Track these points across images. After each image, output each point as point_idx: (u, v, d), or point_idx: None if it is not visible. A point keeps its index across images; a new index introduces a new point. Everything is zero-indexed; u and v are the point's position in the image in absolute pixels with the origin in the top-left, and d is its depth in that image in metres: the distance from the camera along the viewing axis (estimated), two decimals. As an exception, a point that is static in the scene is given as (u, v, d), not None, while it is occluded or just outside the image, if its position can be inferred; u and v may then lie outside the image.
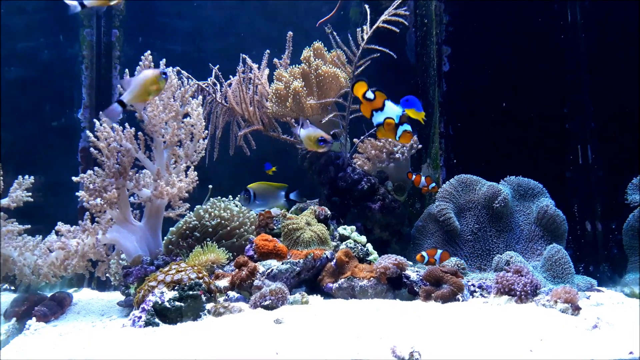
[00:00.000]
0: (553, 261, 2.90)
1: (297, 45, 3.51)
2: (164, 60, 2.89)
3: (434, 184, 3.35)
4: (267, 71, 3.60)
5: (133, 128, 2.82)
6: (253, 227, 3.11)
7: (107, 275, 3.06)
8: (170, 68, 2.92)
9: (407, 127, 2.46)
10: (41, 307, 2.67)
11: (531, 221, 3.36)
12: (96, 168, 2.78)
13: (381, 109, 2.49)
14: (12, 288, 3.12)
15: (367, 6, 3.28)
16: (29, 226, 2.88)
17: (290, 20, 4.29)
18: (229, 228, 3.06)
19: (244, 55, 3.52)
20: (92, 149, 2.77)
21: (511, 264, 2.72)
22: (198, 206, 3.12)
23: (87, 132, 2.75)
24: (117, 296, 2.99)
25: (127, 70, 2.83)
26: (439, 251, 2.98)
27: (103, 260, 2.95)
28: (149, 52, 2.85)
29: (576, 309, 2.21)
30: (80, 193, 2.78)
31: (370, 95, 2.49)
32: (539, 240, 3.31)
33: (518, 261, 2.81)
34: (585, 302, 2.58)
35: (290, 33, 3.48)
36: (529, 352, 1.68)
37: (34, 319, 2.56)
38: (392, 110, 2.48)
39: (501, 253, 3.06)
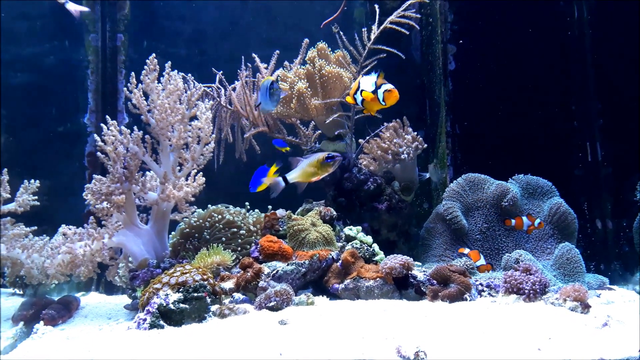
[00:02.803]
0: (564, 260, 2.86)
1: (300, 47, 3.50)
2: (169, 62, 2.89)
3: (539, 220, 3.08)
4: (278, 72, 3.59)
5: (141, 131, 2.82)
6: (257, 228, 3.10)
7: (116, 278, 3.07)
8: (176, 71, 2.93)
9: (388, 87, 2.39)
10: (49, 310, 2.69)
11: (541, 220, 3.32)
12: (95, 176, 2.78)
13: (359, 88, 2.49)
14: (20, 292, 3.14)
15: (376, 6, 3.26)
16: (35, 227, 2.89)
17: (294, 22, 4.29)
18: (238, 232, 3.06)
19: (253, 55, 3.52)
20: (99, 154, 2.78)
21: (520, 263, 2.69)
22: (200, 211, 3.11)
23: (95, 136, 2.76)
24: (125, 299, 3.00)
25: (132, 74, 2.84)
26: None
27: (112, 264, 2.95)
28: (153, 55, 2.86)
29: (585, 307, 2.17)
30: (88, 197, 2.79)
31: (359, 95, 2.52)
32: (549, 239, 3.27)
33: (527, 259, 2.77)
34: (596, 300, 2.54)
35: (306, 40, 3.46)
36: (537, 351, 1.65)
37: (41, 322, 2.57)
38: (366, 82, 2.44)
39: (510, 252, 3.03)
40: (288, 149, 3.37)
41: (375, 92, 2.40)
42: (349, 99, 2.58)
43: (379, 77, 2.41)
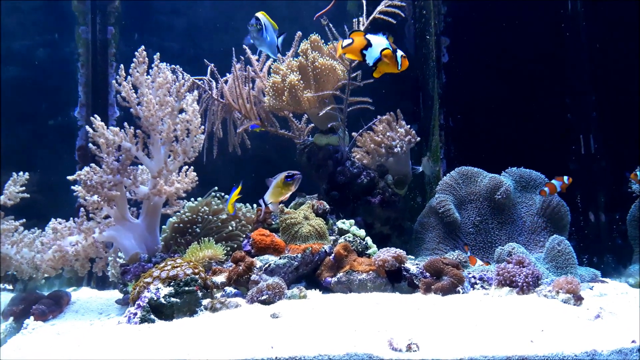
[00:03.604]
0: (556, 252, 2.86)
1: (294, 39, 3.48)
2: (158, 54, 2.86)
3: (567, 177, 3.12)
4: (269, 62, 3.56)
5: (132, 127, 2.79)
6: (249, 226, 3.09)
7: (106, 272, 3.04)
8: (165, 64, 2.89)
9: (400, 52, 2.32)
10: (39, 306, 2.65)
11: (534, 212, 3.32)
12: (93, 165, 2.75)
13: (369, 45, 2.33)
14: (10, 288, 3.11)
15: None
16: (24, 220, 2.86)
17: (288, 15, 4.25)
18: (226, 224, 3.04)
19: (244, 46, 3.48)
20: (90, 145, 2.75)
21: (513, 255, 2.69)
22: (189, 203, 3.09)
23: (87, 127, 2.73)
24: (116, 294, 2.97)
25: (122, 66, 2.80)
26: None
27: (101, 257, 2.93)
28: (142, 47, 2.82)
29: (578, 299, 2.17)
30: (77, 188, 2.76)
31: (348, 41, 2.33)
32: (541, 232, 3.28)
33: (520, 252, 2.77)
34: (589, 292, 2.55)
35: (299, 33, 3.44)
36: (529, 343, 1.65)
37: (31, 317, 2.54)
38: (380, 41, 2.31)
39: (503, 245, 3.02)
40: (262, 129, 3.36)
41: (394, 53, 2.32)
42: (351, 56, 2.41)
43: (388, 38, 2.33)
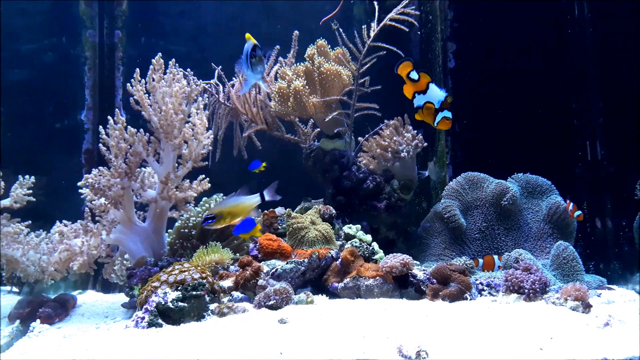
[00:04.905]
0: (562, 259, 2.85)
1: (301, 44, 3.48)
2: (173, 60, 2.86)
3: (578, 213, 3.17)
4: (276, 67, 3.56)
5: (147, 134, 2.80)
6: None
7: (112, 275, 3.05)
8: (180, 70, 2.90)
9: (448, 114, 2.35)
10: (45, 309, 2.66)
11: (540, 219, 3.30)
12: (101, 167, 2.76)
13: (424, 91, 2.37)
14: (17, 290, 3.12)
15: (375, 3, 3.24)
16: (29, 222, 2.87)
17: (294, 19, 4.26)
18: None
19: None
20: (101, 146, 2.75)
21: (520, 262, 2.68)
22: (196, 208, 3.09)
23: (100, 128, 2.73)
24: (122, 298, 2.98)
25: (137, 70, 2.80)
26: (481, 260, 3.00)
27: (108, 262, 2.93)
28: (159, 54, 2.82)
29: (587, 307, 2.16)
30: (85, 191, 2.77)
31: (414, 76, 2.36)
32: (547, 238, 3.26)
33: (527, 258, 2.76)
34: (596, 299, 2.53)
35: (296, 32, 3.45)
36: (538, 351, 1.64)
37: (38, 320, 2.55)
38: (435, 94, 2.36)
39: (510, 251, 3.01)
40: (263, 167, 3.34)
41: (437, 110, 2.37)
42: (407, 92, 2.45)
43: (446, 99, 2.38)
